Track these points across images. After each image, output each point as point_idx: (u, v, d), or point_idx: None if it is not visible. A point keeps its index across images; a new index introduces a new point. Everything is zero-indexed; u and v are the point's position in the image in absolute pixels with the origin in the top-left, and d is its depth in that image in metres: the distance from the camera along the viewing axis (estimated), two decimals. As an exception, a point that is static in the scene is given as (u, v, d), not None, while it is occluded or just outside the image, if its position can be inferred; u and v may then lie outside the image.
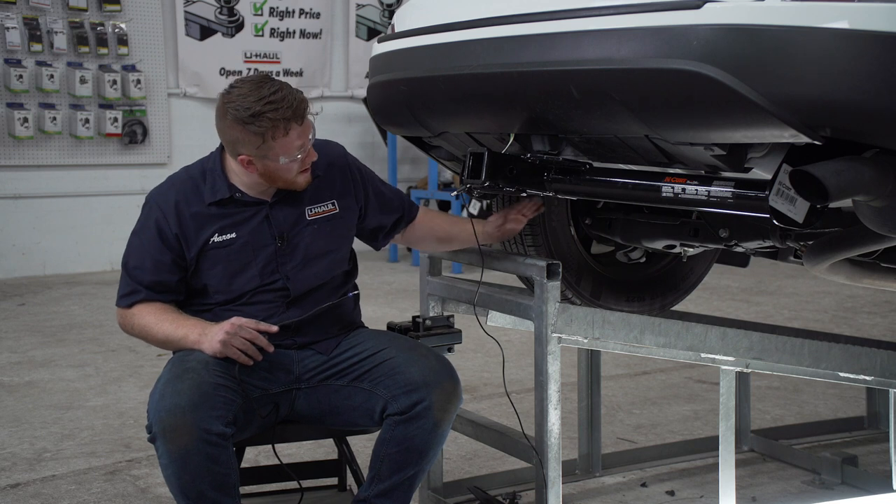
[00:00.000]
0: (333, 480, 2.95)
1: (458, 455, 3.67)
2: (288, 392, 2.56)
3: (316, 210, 2.63)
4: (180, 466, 2.28)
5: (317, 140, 2.70)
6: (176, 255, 2.55)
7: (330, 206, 2.65)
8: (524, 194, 2.72)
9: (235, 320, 2.47)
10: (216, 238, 2.55)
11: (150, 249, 2.56)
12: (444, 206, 9.17)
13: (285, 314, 2.58)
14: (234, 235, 2.56)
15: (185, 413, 2.27)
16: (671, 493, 3.36)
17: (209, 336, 2.45)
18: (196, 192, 2.57)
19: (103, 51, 8.00)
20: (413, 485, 2.57)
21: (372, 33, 9.43)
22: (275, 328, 2.49)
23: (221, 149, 2.59)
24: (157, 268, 2.55)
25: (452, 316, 2.92)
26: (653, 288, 3.36)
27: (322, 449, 3.61)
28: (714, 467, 3.02)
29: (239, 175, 2.56)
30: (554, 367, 2.69)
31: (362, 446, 3.12)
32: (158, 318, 2.53)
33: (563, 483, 2.75)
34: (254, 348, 2.46)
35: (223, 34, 8.71)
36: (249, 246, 2.56)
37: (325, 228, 2.64)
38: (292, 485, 2.77)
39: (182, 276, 2.57)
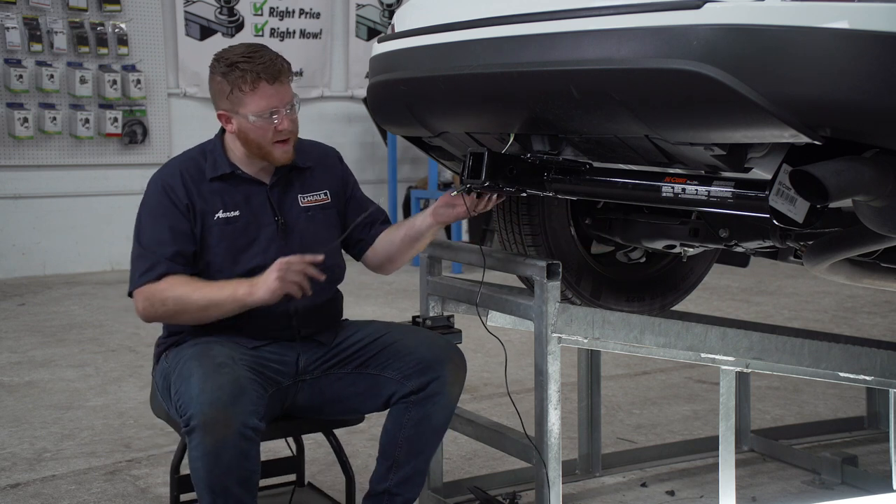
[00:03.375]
0: (291, 477, 3.00)
1: (458, 455, 3.67)
2: (292, 385, 2.58)
3: (309, 198, 2.67)
4: (213, 461, 2.28)
5: (315, 142, 2.76)
6: (191, 224, 2.56)
7: (322, 196, 2.69)
8: (524, 194, 2.72)
9: (281, 259, 2.47)
10: (221, 214, 2.57)
11: (166, 220, 2.55)
12: (444, 206, 9.17)
13: (287, 301, 2.58)
14: (237, 213, 2.59)
15: (226, 407, 2.28)
16: (671, 493, 3.36)
17: (261, 283, 2.45)
18: (198, 169, 2.60)
19: (103, 51, 8.00)
20: (427, 467, 2.64)
21: (372, 33, 9.42)
22: (320, 257, 2.51)
23: (221, 130, 2.64)
24: (175, 237, 2.54)
25: (452, 316, 2.93)
26: (653, 288, 3.36)
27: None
28: (714, 467, 3.02)
29: (235, 152, 2.60)
30: (554, 367, 2.69)
31: (358, 444, 3.11)
32: (193, 287, 2.50)
33: (563, 483, 2.76)
34: (307, 280, 2.47)
35: (223, 34, 8.70)
36: (253, 224, 2.59)
37: (318, 216, 2.68)
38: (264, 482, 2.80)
39: (196, 249, 2.57)
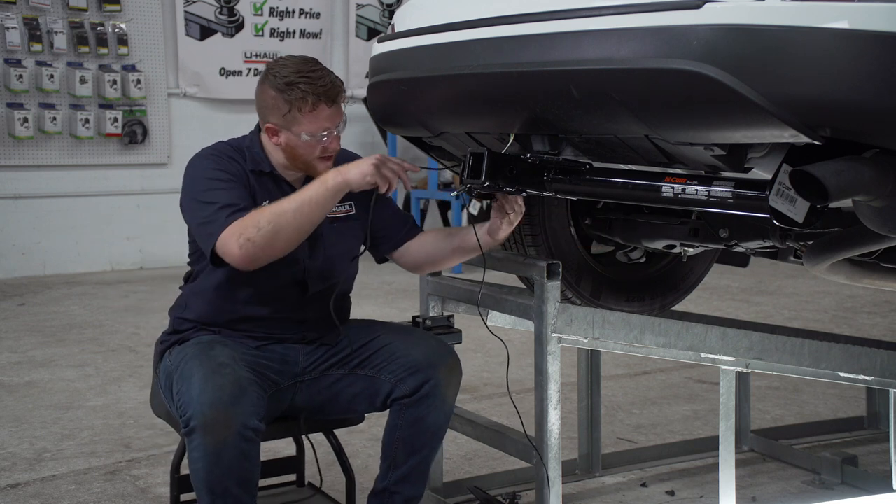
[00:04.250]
0: (291, 477, 3.01)
1: (458, 455, 3.67)
2: (291, 386, 2.59)
3: (335, 210, 2.63)
4: (213, 461, 2.28)
5: (341, 149, 2.73)
6: (248, 194, 2.52)
7: (347, 207, 2.68)
8: (524, 194, 2.72)
9: (379, 154, 2.48)
10: (266, 204, 2.53)
11: (232, 184, 2.50)
12: (444, 206, 9.18)
13: (301, 310, 2.61)
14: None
15: (227, 408, 2.28)
16: (671, 493, 3.36)
17: (352, 166, 2.42)
18: (241, 158, 2.58)
19: (103, 51, 8.00)
20: (428, 466, 2.64)
21: (372, 33, 9.43)
22: (419, 167, 2.54)
23: (257, 130, 2.62)
24: (246, 196, 2.50)
25: (452, 316, 2.93)
26: (653, 288, 3.36)
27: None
28: (714, 467, 3.02)
29: (274, 155, 2.59)
30: (554, 367, 2.69)
31: (358, 444, 3.12)
32: (279, 201, 2.42)
33: (563, 483, 2.76)
34: (397, 178, 2.46)
35: (223, 34, 8.70)
36: None
37: (343, 228, 2.68)
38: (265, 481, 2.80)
39: None
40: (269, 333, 2.60)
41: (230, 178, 2.50)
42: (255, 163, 2.58)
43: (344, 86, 2.56)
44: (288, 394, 2.58)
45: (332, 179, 2.40)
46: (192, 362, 2.43)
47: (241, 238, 2.35)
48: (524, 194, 2.68)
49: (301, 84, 2.46)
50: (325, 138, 2.52)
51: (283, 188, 2.60)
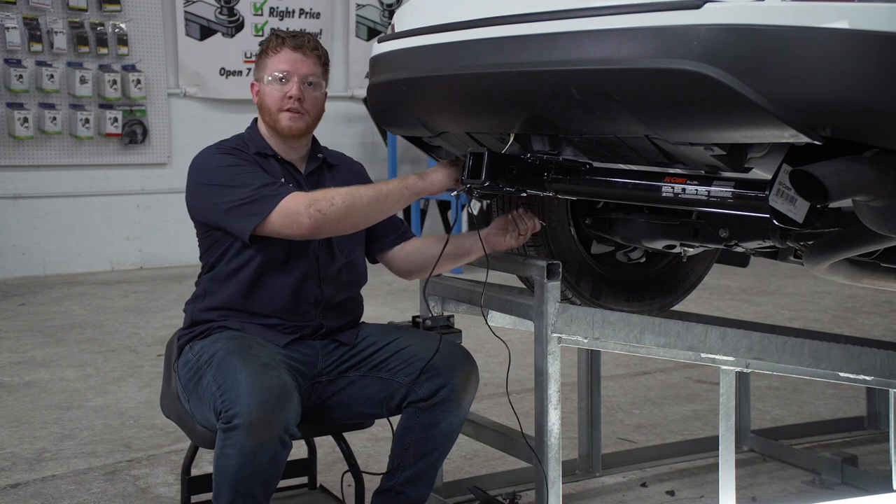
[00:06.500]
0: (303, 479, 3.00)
1: (458, 455, 3.67)
2: (309, 388, 2.59)
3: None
4: (247, 461, 2.26)
5: (340, 153, 2.82)
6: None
7: None
8: (524, 195, 2.72)
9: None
10: (284, 182, 2.60)
11: (255, 168, 2.56)
12: (444, 206, 9.19)
13: (318, 290, 2.62)
14: (291, 186, 2.60)
15: (273, 410, 2.27)
16: (671, 493, 3.36)
17: (432, 171, 2.60)
18: (245, 146, 2.65)
19: (103, 51, 8.00)
20: (437, 469, 2.66)
21: (372, 33, 9.43)
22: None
23: (254, 122, 2.70)
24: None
25: (452, 316, 2.92)
26: (653, 288, 3.36)
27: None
28: (714, 467, 3.02)
29: (268, 137, 2.65)
30: (554, 367, 2.69)
31: (358, 444, 3.11)
32: (356, 186, 2.54)
33: (563, 483, 2.76)
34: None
35: (223, 34, 8.70)
36: None
37: None
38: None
39: None
40: (287, 321, 2.59)
41: (249, 163, 2.57)
42: (258, 147, 2.64)
43: (324, 52, 2.66)
44: (305, 396, 2.57)
45: (412, 180, 2.56)
46: (232, 358, 2.39)
47: (311, 208, 2.44)
48: (524, 194, 2.68)
49: (280, 33, 2.63)
50: (283, 81, 2.57)
51: (287, 169, 2.65)
